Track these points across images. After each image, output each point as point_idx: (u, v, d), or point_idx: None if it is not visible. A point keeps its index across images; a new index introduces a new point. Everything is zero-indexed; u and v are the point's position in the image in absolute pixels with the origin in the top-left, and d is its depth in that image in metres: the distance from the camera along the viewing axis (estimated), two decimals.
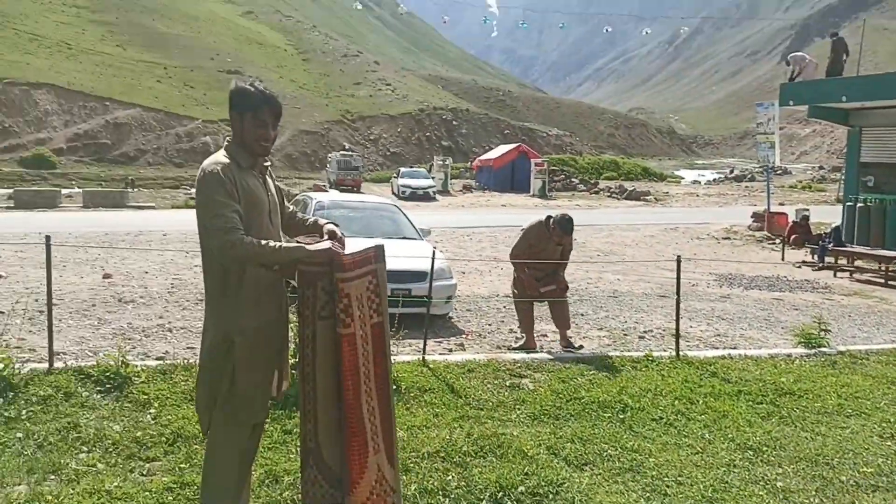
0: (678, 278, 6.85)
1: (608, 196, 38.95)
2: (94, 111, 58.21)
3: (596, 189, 41.59)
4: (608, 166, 53.66)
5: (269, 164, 2.98)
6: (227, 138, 2.89)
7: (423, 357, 5.98)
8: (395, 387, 5.09)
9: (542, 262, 7.20)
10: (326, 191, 31.00)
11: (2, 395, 4.48)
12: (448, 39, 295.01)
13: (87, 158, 53.31)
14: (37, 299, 8.03)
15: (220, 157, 2.79)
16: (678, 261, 6.81)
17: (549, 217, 7.32)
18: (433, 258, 6.31)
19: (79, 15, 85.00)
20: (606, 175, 49.94)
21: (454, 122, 75.67)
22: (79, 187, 38.76)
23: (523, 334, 7.38)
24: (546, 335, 7.92)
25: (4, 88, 55.47)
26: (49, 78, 59.53)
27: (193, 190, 27.71)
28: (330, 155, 46.19)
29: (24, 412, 4.32)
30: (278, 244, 2.69)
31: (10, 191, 30.77)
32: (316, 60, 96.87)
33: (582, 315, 9.19)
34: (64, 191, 32.81)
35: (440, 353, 6.79)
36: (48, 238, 5.32)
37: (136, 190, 38.44)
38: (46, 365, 5.14)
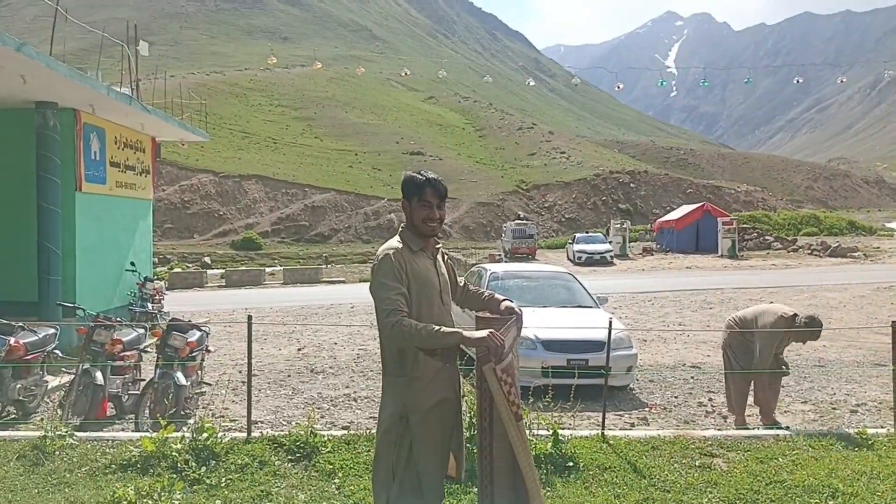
0: (894, 342, 6.02)
1: (809, 254, 35.73)
2: (294, 197, 64.29)
3: (794, 247, 38.34)
4: (807, 221, 49.43)
5: (439, 245, 3.12)
6: (402, 224, 3.04)
7: (603, 432, 5.71)
8: (572, 463, 4.91)
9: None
10: (502, 260, 31.45)
11: (205, 464, 4.88)
12: (624, 104, 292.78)
13: (288, 239, 58.66)
14: (240, 371, 8.77)
15: (394, 242, 2.97)
16: (894, 326, 6.00)
17: (795, 315, 6.31)
18: (610, 327, 6.09)
19: (283, 113, 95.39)
20: (806, 231, 46.02)
21: (632, 185, 74.13)
22: (280, 265, 42.62)
23: (731, 413, 6.76)
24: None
25: (220, 181, 63.09)
26: (257, 170, 66.92)
27: None
28: (505, 224, 46.96)
29: (223, 480, 4.67)
30: (437, 328, 2.73)
31: (223, 271, 34.52)
32: (492, 136, 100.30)
33: (783, 387, 8.32)
34: (267, 269, 36.20)
35: (621, 428, 6.46)
36: (250, 317, 5.83)
37: (328, 266, 41.45)
38: (245, 434, 5.56)
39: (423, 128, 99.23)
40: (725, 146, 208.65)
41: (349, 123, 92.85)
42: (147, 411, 6.32)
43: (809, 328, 6.20)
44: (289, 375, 9.41)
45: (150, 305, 12.71)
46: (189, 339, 6.67)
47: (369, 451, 5.20)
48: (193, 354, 6.94)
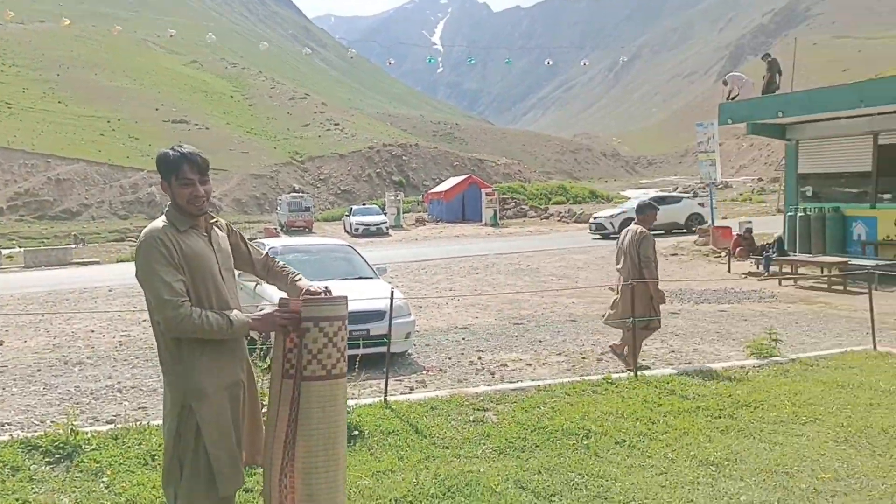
0: (633, 301, 6.94)
1: (559, 220, 39.48)
2: (35, 168, 56.90)
3: (546, 214, 42.13)
4: (557, 191, 54.41)
5: (214, 219, 2.90)
6: (168, 205, 2.83)
7: (385, 398, 5.91)
8: (357, 431, 5.03)
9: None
10: (278, 234, 30.75)
11: None
12: (394, 77, 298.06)
13: (28, 217, 51.96)
14: None
15: (159, 223, 2.73)
16: (633, 289, 6.90)
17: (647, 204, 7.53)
18: (392, 297, 6.28)
19: (18, 73, 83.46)
20: (555, 200, 50.65)
21: (404, 157, 76.12)
22: (20, 247, 37.61)
23: (625, 357, 7.41)
24: (506, 365, 7.90)
25: None
26: None
27: None
28: (280, 197, 45.90)
29: None
30: (227, 320, 2.66)
31: None
32: (262, 105, 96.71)
33: (540, 341, 9.23)
34: (4, 251, 31.80)
35: (402, 393, 6.72)
36: None
37: (80, 245, 37.45)
38: None
39: (186, 94, 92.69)
40: (487, 121, 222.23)
41: (99, 87, 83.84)
42: None
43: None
44: (39, 370, 8.44)
45: None
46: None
47: (140, 444, 4.89)
48: None
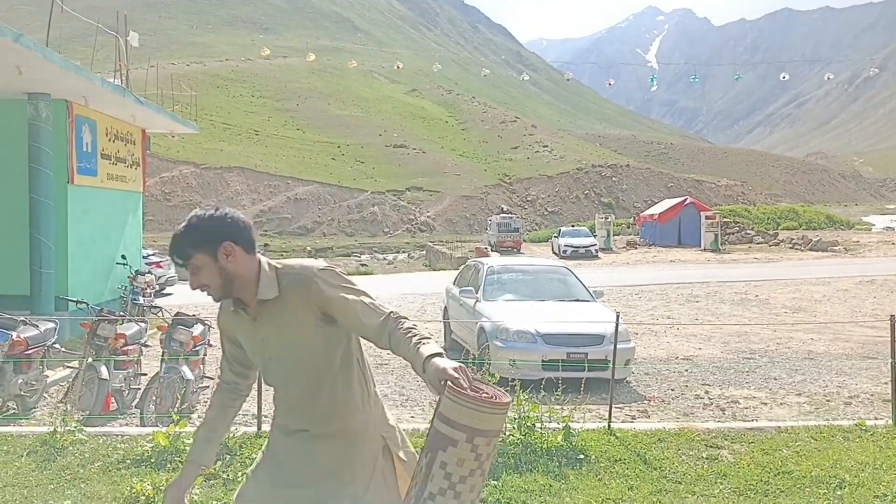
0: (893, 337, 6.16)
1: (790, 247, 36.23)
2: (277, 189, 63.93)
3: (775, 241, 38.87)
4: (787, 215, 50.10)
5: (272, 296, 2.18)
6: None
7: (609, 424, 5.80)
8: (583, 456, 4.99)
9: None
10: (489, 254, 31.56)
11: (220, 458, 4.89)
12: (605, 98, 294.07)
13: (270, 232, 58.36)
14: None
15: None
16: (893, 320, 6.14)
17: None
18: (617, 321, 6.17)
19: (265, 104, 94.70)
20: (785, 225, 46.66)
21: (614, 179, 74.62)
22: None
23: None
24: (737, 402, 7.39)
25: (202, 173, 62.58)
26: (239, 161, 66.44)
27: (364, 257, 28.79)
28: (490, 218, 47.09)
29: (239, 474, 4.68)
30: (201, 426, 2.40)
31: None
32: (475, 129, 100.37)
33: (775, 379, 8.51)
34: None
35: (623, 421, 6.55)
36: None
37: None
38: (255, 428, 5.57)
39: (406, 120, 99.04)
40: (705, 140, 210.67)
41: (331, 115, 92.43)
42: (152, 406, 6.31)
43: None
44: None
45: (141, 299, 12.61)
46: (194, 334, 6.66)
47: None
48: (197, 348, 6.93)
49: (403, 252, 49.78)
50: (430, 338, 2.03)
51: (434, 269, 33.07)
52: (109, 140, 12.86)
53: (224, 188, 62.63)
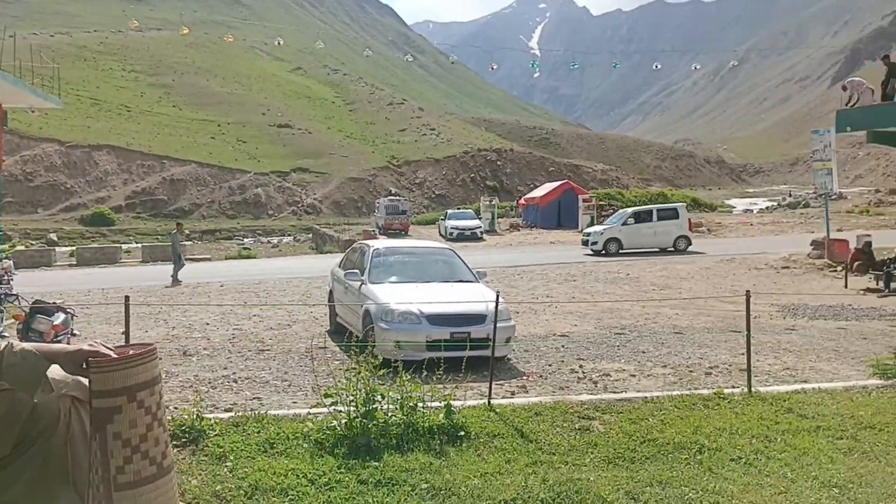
0: (748, 312, 6.67)
1: None
2: (151, 169, 60.60)
3: None
4: (657, 199, 52.98)
5: None
6: None
7: (489, 401, 5.94)
8: (463, 433, 5.08)
9: None
10: (376, 236, 31.44)
11: None
12: (490, 83, 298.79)
13: (144, 214, 55.35)
14: None
15: None
16: (748, 295, 6.63)
17: None
18: (497, 300, 6.31)
19: (137, 79, 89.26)
20: None
21: (499, 163, 76.17)
22: (137, 243, 40.17)
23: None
24: (608, 374, 7.78)
25: (67, 151, 58.30)
26: (109, 140, 62.41)
27: (247, 241, 27.97)
28: (378, 200, 46.90)
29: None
30: None
31: (73, 248, 32.08)
32: (362, 110, 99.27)
33: (643, 352, 9.01)
34: (124, 246, 34.04)
35: (503, 397, 6.73)
36: (127, 297, 5.53)
37: (191, 243, 39.54)
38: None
39: (290, 99, 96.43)
40: (584, 127, 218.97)
41: (211, 92, 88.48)
42: None
43: None
44: (160, 358, 8.97)
45: None
46: (55, 323, 6.22)
47: (259, 431, 5.13)
48: (59, 338, 6.49)
49: (289, 235, 48.66)
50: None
51: (321, 253, 32.59)
52: None
53: (92, 168, 58.69)
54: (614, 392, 6.84)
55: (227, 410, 6.21)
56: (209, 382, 7.66)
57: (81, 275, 22.16)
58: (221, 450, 4.77)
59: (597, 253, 24.45)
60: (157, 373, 1.91)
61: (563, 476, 4.39)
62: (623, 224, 25.12)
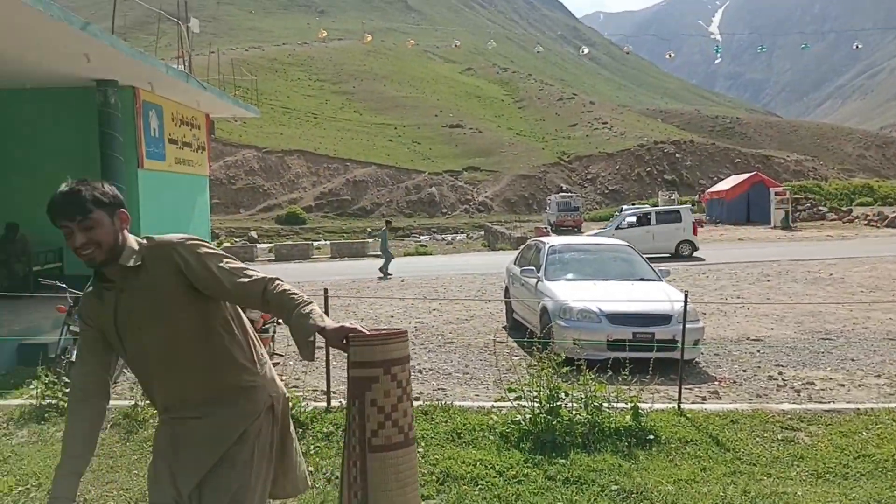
0: None
1: (865, 224, 34.67)
2: (336, 171, 64.71)
3: (849, 217, 37.24)
4: (861, 191, 47.95)
5: (135, 263, 2.19)
6: None
7: (679, 405, 5.68)
8: (653, 436, 4.90)
9: None
10: (548, 234, 31.27)
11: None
12: (667, 71, 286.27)
13: (331, 214, 59.20)
14: None
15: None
16: None
17: None
18: (686, 301, 6.01)
19: (322, 87, 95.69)
20: (860, 201, 44.65)
21: (677, 155, 72.73)
22: (325, 239, 43.09)
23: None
24: (813, 383, 7.13)
25: (264, 156, 63.78)
26: (299, 145, 67.44)
27: (423, 238, 28.94)
28: (549, 197, 46.62)
29: (311, 447, 4.78)
30: (68, 450, 2.24)
31: (271, 245, 35.07)
32: (532, 107, 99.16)
33: (853, 360, 8.17)
34: (314, 243, 36.66)
35: (693, 402, 6.40)
36: (326, 290, 5.95)
37: (373, 240, 41.71)
38: (325, 403, 5.68)
39: (461, 100, 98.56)
40: (773, 114, 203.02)
41: (388, 97, 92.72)
42: None
43: None
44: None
45: None
46: (263, 312, 6.81)
47: (446, 421, 5.27)
48: (266, 326, 7.09)
49: (462, 232, 49.82)
50: (311, 301, 2.12)
51: (493, 250, 32.99)
52: (176, 125, 13.20)
53: (285, 171, 63.73)
54: (820, 402, 6.27)
55: (414, 399, 6.46)
56: None
57: (280, 269, 24.19)
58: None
59: None
60: (407, 354, 2.12)
61: (766, 489, 4.09)
62: (617, 228, 23.41)
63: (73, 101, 11.62)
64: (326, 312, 6.18)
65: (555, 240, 11.14)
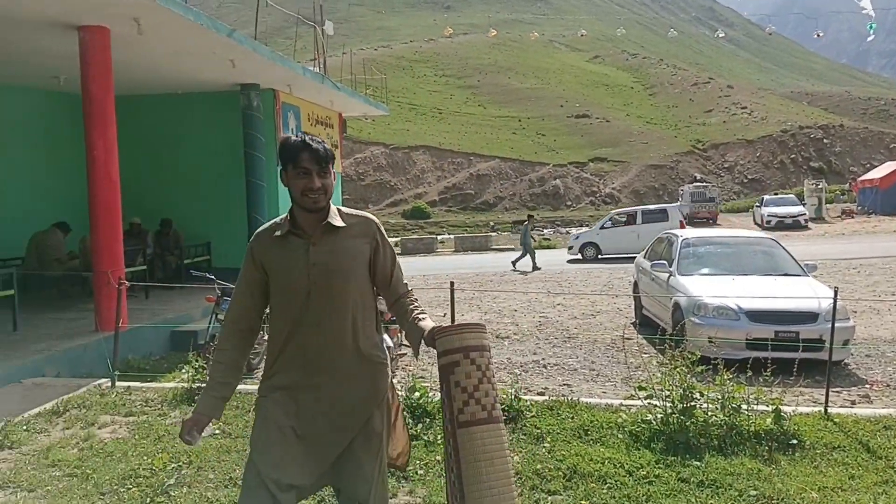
0: None
1: None
2: (460, 166, 65.36)
3: None
4: None
5: (340, 224, 2.45)
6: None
7: (826, 409, 5.30)
8: (796, 441, 4.61)
9: None
10: (683, 225, 30.07)
11: (420, 421, 5.14)
12: (812, 51, 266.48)
13: (455, 208, 59.90)
14: None
15: (265, 225, 2.56)
16: None
17: None
18: (835, 297, 5.60)
19: (448, 83, 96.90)
20: None
21: (825, 141, 67.53)
22: (449, 233, 43.71)
23: None
24: None
25: (391, 153, 65.54)
26: (424, 140, 68.69)
27: (547, 231, 28.75)
28: (682, 188, 44.76)
29: (438, 437, 4.89)
30: (214, 376, 2.47)
31: (398, 239, 36.02)
32: (663, 93, 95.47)
33: None
34: (438, 237, 37.30)
35: (841, 406, 5.96)
36: (452, 283, 6.04)
37: (496, 233, 41.87)
38: None
39: (588, 89, 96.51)
40: None
41: (512, 89, 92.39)
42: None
43: None
44: (488, 333, 9.64)
45: None
46: (389, 309, 7.02)
47: (573, 417, 5.21)
48: (394, 318, 7.30)
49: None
50: (427, 317, 2.52)
51: None
52: (311, 125, 13.86)
53: (411, 166, 65.18)
54: None
55: (539, 394, 6.44)
56: (521, 366, 8.03)
57: (405, 263, 24.78)
58: (539, 431, 4.96)
59: (575, 259, 22.13)
60: (485, 342, 2.34)
61: None
62: (601, 227, 23.49)
63: (219, 104, 12.47)
64: (452, 304, 6.29)
65: (687, 232, 10.70)
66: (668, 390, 4.86)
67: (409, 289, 2.61)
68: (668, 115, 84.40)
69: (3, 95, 11.41)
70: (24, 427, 5.29)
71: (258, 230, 2.52)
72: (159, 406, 5.92)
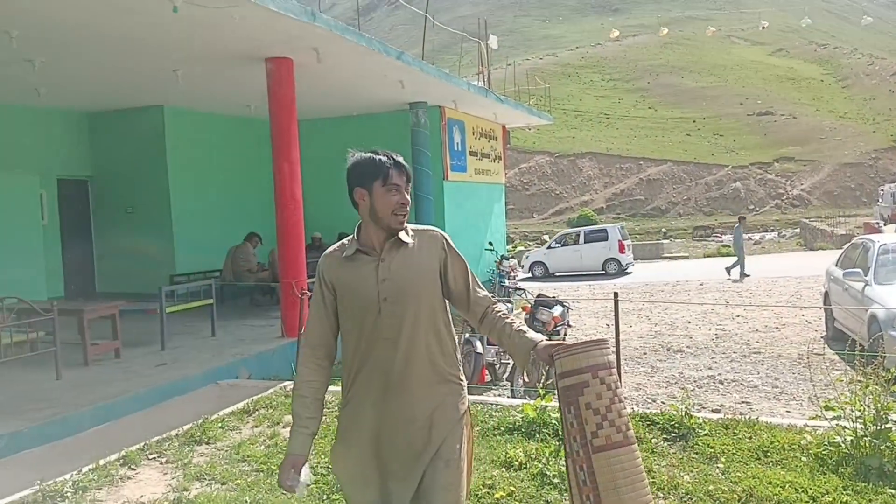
0: None
1: None
2: (628, 171, 63.53)
3: None
4: None
5: (409, 241, 2.40)
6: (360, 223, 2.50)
7: None
8: None
9: None
10: (880, 230, 27.14)
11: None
12: None
13: (623, 215, 58.22)
14: None
15: (333, 246, 2.52)
16: None
17: None
18: None
19: (615, 87, 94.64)
20: None
21: None
22: None
23: None
24: None
25: (556, 161, 65.14)
26: (590, 147, 67.57)
27: (726, 237, 27.15)
28: (882, 187, 40.36)
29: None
30: (300, 412, 2.42)
31: None
32: (858, 85, 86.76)
33: None
34: None
35: None
36: (616, 294, 5.90)
37: (669, 241, 40.12)
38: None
39: (771, 84, 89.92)
40: None
41: (685, 89, 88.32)
42: (521, 381, 6.79)
43: None
44: (644, 353, 9.33)
45: (506, 281, 13.69)
46: (554, 314, 7.00)
47: (751, 438, 4.89)
48: (557, 328, 7.27)
49: (772, 230, 45.49)
50: (527, 330, 2.39)
51: (810, 249, 29.66)
52: (476, 138, 14.17)
53: (577, 174, 64.36)
54: None
55: (714, 411, 6.11)
56: (694, 381, 7.65)
57: None
58: (712, 450, 4.70)
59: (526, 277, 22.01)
60: (611, 360, 2.22)
61: None
62: (548, 248, 24.69)
63: (390, 123, 13.12)
64: (617, 318, 6.15)
65: (886, 238, 9.64)
66: (860, 410, 4.42)
67: (494, 301, 2.48)
68: (865, 108, 76.61)
69: (208, 123, 12.79)
70: (220, 424, 5.87)
71: (326, 251, 2.50)
72: (336, 408, 6.33)
